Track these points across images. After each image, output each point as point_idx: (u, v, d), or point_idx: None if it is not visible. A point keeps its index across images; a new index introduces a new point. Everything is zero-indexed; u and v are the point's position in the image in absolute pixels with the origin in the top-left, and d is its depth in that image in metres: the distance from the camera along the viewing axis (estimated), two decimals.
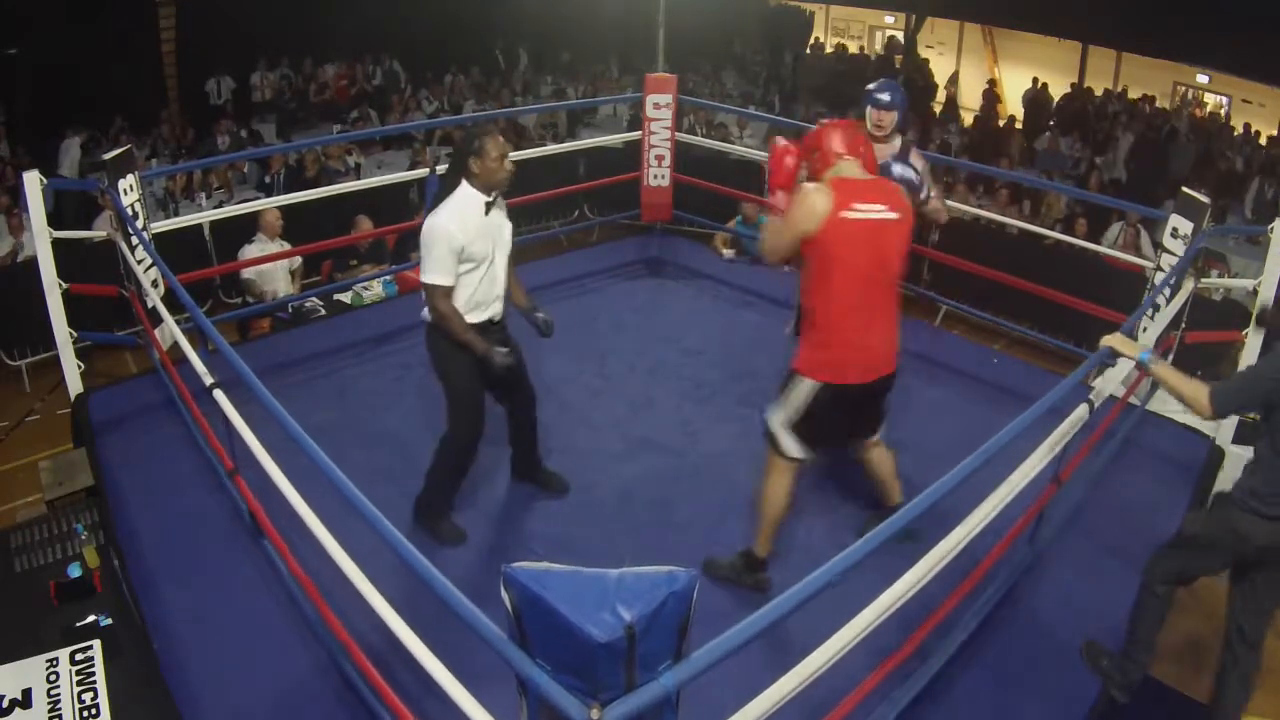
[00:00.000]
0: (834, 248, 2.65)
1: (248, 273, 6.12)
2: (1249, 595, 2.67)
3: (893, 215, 2.66)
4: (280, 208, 5.86)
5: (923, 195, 3.48)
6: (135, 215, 4.09)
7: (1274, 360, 2.51)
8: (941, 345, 5.02)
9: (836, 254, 2.65)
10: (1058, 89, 12.50)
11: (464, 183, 2.92)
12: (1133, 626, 2.78)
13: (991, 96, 12.76)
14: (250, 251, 5.96)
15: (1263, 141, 10.17)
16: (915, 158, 3.68)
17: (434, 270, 2.90)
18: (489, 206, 2.95)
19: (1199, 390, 2.55)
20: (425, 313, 3.04)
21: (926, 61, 13.98)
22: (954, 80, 14.03)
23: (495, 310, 3.09)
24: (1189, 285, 4.02)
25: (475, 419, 3.15)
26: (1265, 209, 8.13)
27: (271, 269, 6.11)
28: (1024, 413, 2.40)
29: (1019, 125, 11.58)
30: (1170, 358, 4.32)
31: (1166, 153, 9.96)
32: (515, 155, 3.25)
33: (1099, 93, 12.14)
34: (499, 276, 3.07)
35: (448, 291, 2.93)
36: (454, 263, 2.89)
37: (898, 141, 3.77)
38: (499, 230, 3.02)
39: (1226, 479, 2.61)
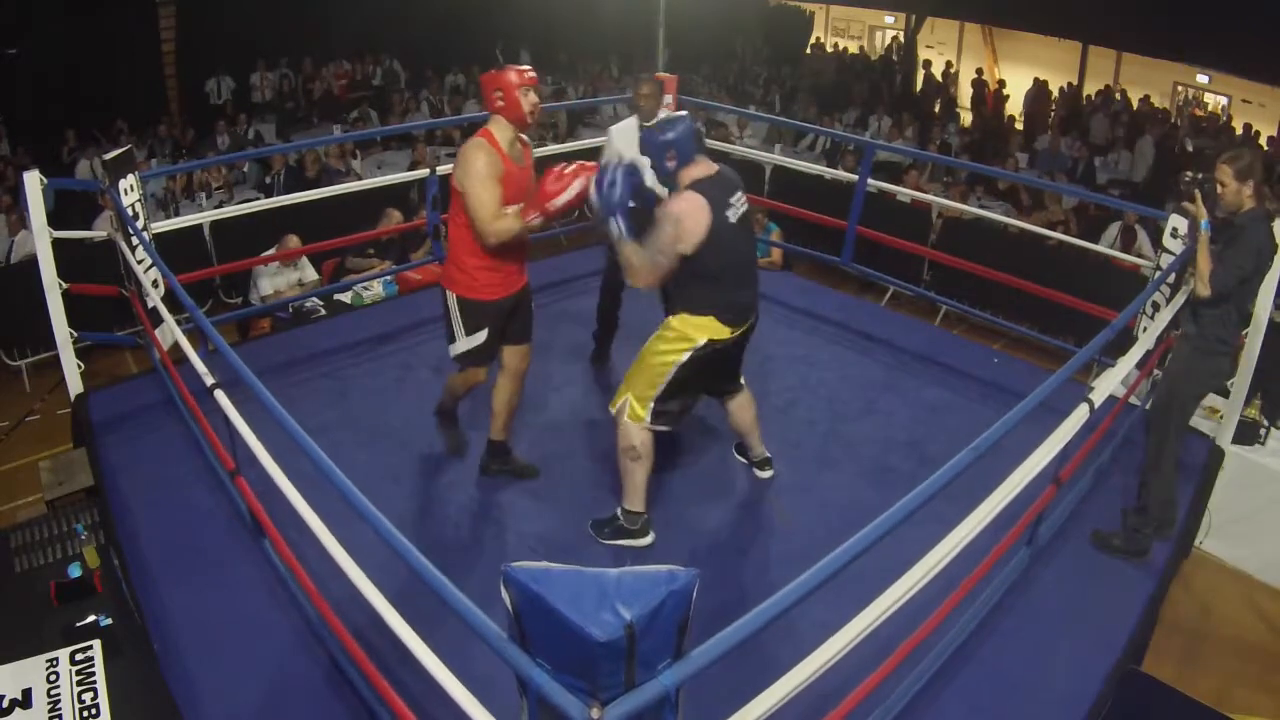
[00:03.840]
0: None
1: (265, 291, 6.25)
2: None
3: None
4: (281, 209, 5.85)
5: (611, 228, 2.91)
6: (135, 215, 4.09)
7: (1257, 233, 3.06)
8: (941, 345, 5.02)
9: None
10: (1058, 89, 12.50)
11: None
12: (1144, 498, 3.29)
13: (1000, 97, 12.70)
14: (264, 282, 6.21)
15: (1263, 142, 10.16)
16: (669, 200, 3.02)
17: None
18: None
19: (1206, 271, 3.14)
20: None
21: (927, 63, 13.98)
22: (953, 80, 14.02)
23: None
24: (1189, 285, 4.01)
25: None
26: None
27: (285, 285, 6.28)
28: (1013, 409, 2.40)
29: (1019, 125, 11.57)
30: (1170, 357, 4.32)
31: (1170, 154, 9.94)
32: None
33: (1096, 92, 12.12)
34: None
35: None
36: None
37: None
38: None
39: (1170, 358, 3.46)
